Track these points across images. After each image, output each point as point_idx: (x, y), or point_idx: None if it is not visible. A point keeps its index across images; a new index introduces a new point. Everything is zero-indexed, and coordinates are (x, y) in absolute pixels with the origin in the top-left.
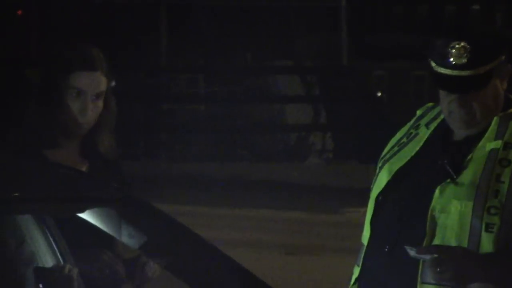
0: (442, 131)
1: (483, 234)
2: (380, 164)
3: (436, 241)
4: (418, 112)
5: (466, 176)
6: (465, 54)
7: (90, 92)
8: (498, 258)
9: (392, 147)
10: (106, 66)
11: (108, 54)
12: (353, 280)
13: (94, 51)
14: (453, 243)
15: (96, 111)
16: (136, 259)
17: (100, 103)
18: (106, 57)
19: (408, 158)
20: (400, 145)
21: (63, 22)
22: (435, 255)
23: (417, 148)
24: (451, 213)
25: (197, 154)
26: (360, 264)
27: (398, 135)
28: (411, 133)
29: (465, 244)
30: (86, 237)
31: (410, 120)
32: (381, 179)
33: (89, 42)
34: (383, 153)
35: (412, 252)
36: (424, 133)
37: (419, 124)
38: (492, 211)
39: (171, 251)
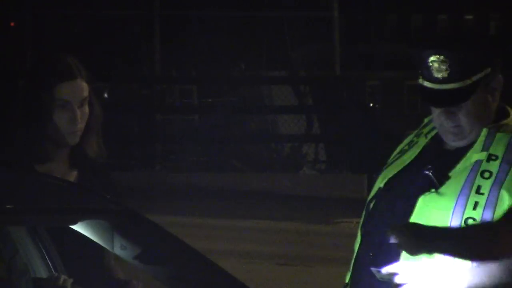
0: (438, 140)
1: None
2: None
3: None
4: (425, 120)
5: (449, 186)
6: (445, 68)
7: (75, 100)
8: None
9: (395, 155)
10: (84, 72)
11: (102, 65)
12: (343, 286)
13: (70, 59)
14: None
15: (84, 118)
16: (128, 282)
17: (86, 109)
18: (83, 64)
19: (403, 166)
20: (401, 153)
21: (56, 33)
22: (402, 273)
23: (413, 157)
24: (430, 223)
25: (191, 164)
26: (351, 270)
27: (405, 142)
28: (413, 141)
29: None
30: (78, 248)
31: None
32: (376, 186)
33: (63, 52)
34: (389, 160)
35: (378, 275)
36: (422, 142)
37: (421, 132)
38: (469, 222)
39: (164, 262)
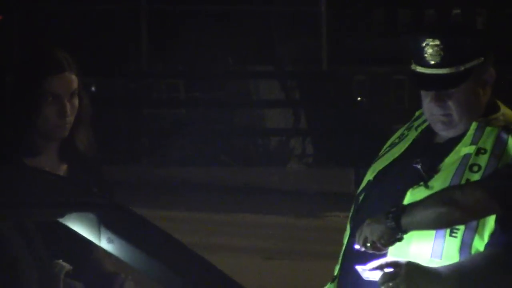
0: (428, 134)
1: (447, 238)
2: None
3: (403, 244)
4: (417, 113)
5: (438, 180)
6: (439, 53)
7: (64, 93)
8: (447, 273)
9: (386, 148)
10: (73, 64)
11: (89, 59)
12: (332, 278)
13: (59, 52)
14: (417, 247)
15: (73, 111)
16: (116, 275)
17: (76, 102)
18: (72, 57)
19: (393, 159)
20: (391, 146)
21: (44, 27)
22: (387, 271)
23: (403, 150)
24: None
25: (178, 159)
26: (340, 262)
27: (396, 135)
28: (404, 134)
29: (429, 248)
30: (67, 242)
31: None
32: (365, 179)
33: (52, 45)
34: (379, 153)
35: (365, 273)
36: (412, 135)
37: (412, 125)
38: None
39: (151, 256)
